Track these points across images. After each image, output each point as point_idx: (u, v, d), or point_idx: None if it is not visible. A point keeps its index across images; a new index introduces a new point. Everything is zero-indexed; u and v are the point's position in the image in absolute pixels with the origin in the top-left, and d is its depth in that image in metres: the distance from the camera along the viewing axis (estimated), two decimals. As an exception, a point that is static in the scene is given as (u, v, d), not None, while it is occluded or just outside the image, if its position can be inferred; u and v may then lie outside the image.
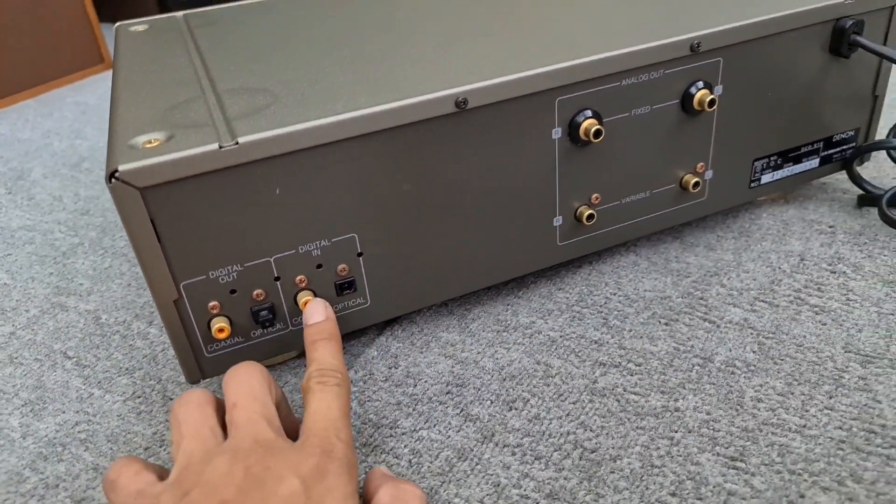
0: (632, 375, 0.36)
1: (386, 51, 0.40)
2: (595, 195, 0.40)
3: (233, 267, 0.33)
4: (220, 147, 0.29)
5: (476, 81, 0.34)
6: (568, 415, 0.34)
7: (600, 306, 0.41)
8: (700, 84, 0.39)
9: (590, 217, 0.40)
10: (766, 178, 0.45)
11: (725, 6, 0.41)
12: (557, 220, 0.40)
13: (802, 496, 0.28)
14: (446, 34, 0.42)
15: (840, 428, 0.31)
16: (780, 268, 0.43)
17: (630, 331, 0.39)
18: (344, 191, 0.33)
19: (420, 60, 0.37)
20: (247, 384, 0.29)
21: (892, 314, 0.38)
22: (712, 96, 0.39)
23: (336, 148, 0.32)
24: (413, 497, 0.28)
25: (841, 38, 0.41)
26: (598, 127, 0.36)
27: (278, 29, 0.47)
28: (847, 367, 0.35)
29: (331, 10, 0.51)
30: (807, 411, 0.33)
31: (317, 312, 0.34)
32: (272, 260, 0.33)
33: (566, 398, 0.35)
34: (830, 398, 0.33)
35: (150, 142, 0.30)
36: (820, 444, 0.31)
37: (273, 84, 0.36)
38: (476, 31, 0.42)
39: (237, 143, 0.30)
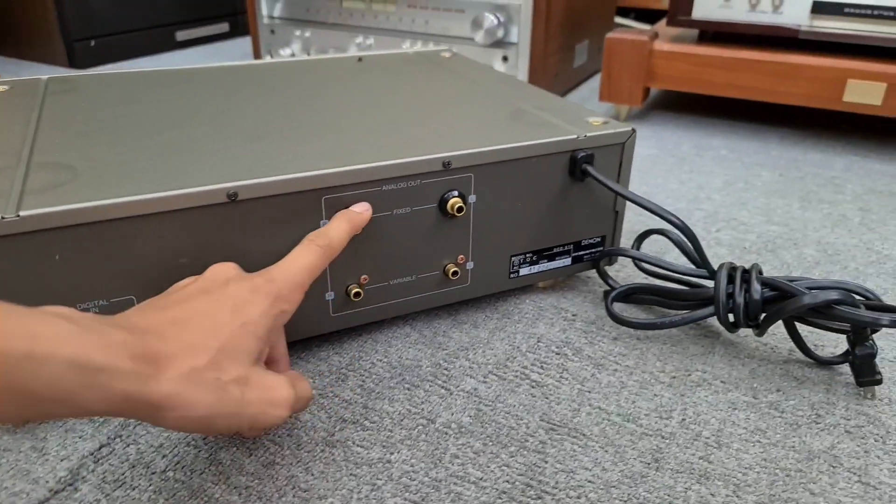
0: (364, 431, 0.43)
1: (193, 140, 0.47)
2: (364, 276, 0.48)
3: (14, 317, 0.38)
4: (2, 218, 0.35)
5: (248, 178, 0.41)
6: (298, 461, 0.41)
7: (364, 370, 0.49)
8: (455, 193, 0.48)
9: (356, 294, 0.47)
10: (524, 271, 0.55)
11: (482, 131, 0.50)
12: (330, 296, 0.47)
13: (453, 534, 0.36)
14: (246, 130, 0.49)
15: (507, 481, 0.39)
16: (519, 347, 0.51)
17: (378, 393, 0.46)
18: (122, 261, 0.40)
19: (212, 153, 0.45)
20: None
21: (590, 391, 0.47)
22: (461, 204, 0.47)
23: (115, 225, 0.38)
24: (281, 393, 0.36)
25: (575, 167, 0.51)
26: (357, 223, 0.44)
27: (123, 105, 0.54)
28: (535, 433, 0.43)
29: (178, 93, 0.58)
30: (488, 467, 0.40)
31: (361, 205, 0.45)
32: (53, 313, 0.39)
33: (303, 447, 0.42)
34: (511, 457, 0.41)
35: (-55, 207, 0.36)
36: (487, 492, 0.39)
37: (82, 161, 0.43)
38: (271, 130, 0.49)
39: (18, 216, 0.36)
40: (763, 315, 0.47)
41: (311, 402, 0.39)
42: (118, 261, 0.39)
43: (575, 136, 0.51)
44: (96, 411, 0.29)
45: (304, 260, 0.39)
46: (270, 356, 0.40)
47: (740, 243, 0.69)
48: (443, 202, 0.48)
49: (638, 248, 0.58)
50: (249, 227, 0.42)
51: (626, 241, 0.66)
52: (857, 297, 0.45)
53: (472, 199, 0.49)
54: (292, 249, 0.40)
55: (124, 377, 0.29)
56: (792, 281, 0.48)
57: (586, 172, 0.51)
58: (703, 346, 0.52)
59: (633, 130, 0.53)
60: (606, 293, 0.57)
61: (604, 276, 0.57)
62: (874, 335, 0.46)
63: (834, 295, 0.42)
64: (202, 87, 0.60)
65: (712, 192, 0.82)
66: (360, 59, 0.74)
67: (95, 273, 0.39)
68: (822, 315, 0.44)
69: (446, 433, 0.43)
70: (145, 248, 0.40)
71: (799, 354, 0.50)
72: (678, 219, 0.50)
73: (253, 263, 0.43)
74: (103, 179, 0.40)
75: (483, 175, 0.49)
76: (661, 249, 0.67)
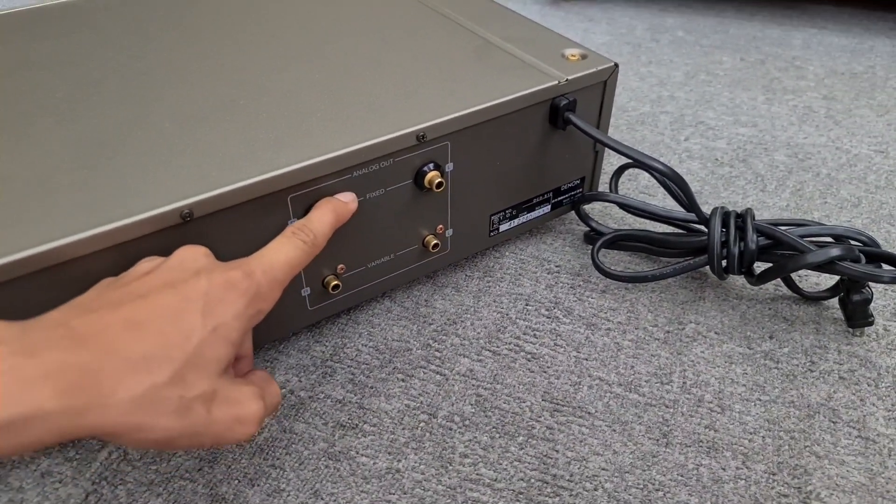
0: (366, 436, 0.41)
1: (116, 130, 0.39)
2: (340, 266, 0.44)
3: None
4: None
5: (202, 191, 0.35)
6: (304, 483, 0.39)
7: (351, 360, 0.46)
8: (431, 165, 0.43)
9: (335, 287, 0.43)
10: (504, 227, 0.51)
11: (453, 85, 0.44)
12: (305, 291, 0.43)
13: (479, 551, 0.36)
14: (177, 108, 0.42)
15: (522, 479, 0.39)
16: (507, 314, 0.49)
17: (372, 388, 0.44)
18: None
19: (147, 154, 0.38)
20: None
21: (587, 359, 0.46)
22: (440, 179, 0.43)
23: (47, 273, 0.33)
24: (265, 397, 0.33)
25: (557, 115, 0.47)
26: (330, 219, 0.39)
27: (14, 72, 0.45)
28: (540, 416, 0.42)
29: (79, 48, 0.48)
30: (500, 465, 0.40)
31: (347, 195, 0.40)
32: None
33: (305, 465, 0.40)
34: (521, 449, 0.40)
35: None
36: (504, 496, 0.38)
37: (-10, 184, 0.35)
38: (207, 106, 0.42)
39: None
40: (761, 269, 0.46)
41: (280, 405, 0.36)
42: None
43: (556, 82, 0.46)
44: (31, 452, 0.26)
45: (285, 254, 0.34)
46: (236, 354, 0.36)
47: (711, 153, 0.67)
48: (419, 176, 0.43)
49: (616, 183, 0.55)
50: (207, 244, 0.37)
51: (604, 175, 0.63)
52: (854, 243, 0.44)
53: (449, 167, 0.44)
54: (274, 240, 0.35)
55: (51, 419, 0.25)
56: (785, 226, 0.46)
57: (569, 121, 0.47)
58: (692, 291, 0.51)
59: (616, 65, 0.48)
60: (588, 238, 0.55)
61: (585, 219, 0.54)
62: (863, 273, 0.46)
63: (835, 251, 0.41)
64: (106, 33, 0.50)
65: (675, 89, 0.78)
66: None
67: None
68: (822, 270, 0.43)
69: (451, 428, 0.42)
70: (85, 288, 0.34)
71: (785, 290, 0.50)
72: (666, 166, 0.46)
73: (219, 280, 0.38)
74: (26, 210, 0.34)
75: (460, 141, 0.43)
76: (633, 174, 0.64)
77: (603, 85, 0.49)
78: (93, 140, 0.39)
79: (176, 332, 0.29)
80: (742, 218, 0.46)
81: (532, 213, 0.52)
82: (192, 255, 0.32)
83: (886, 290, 0.51)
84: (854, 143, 0.68)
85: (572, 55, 0.49)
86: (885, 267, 0.43)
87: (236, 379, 0.32)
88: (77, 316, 0.28)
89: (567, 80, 0.46)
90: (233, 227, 0.37)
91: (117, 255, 0.34)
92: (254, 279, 0.31)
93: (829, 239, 0.46)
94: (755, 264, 0.47)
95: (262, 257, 0.33)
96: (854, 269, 0.41)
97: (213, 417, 0.29)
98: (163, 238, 0.35)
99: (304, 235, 0.35)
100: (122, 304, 0.29)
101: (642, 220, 0.56)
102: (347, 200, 0.40)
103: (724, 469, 0.39)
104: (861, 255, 0.42)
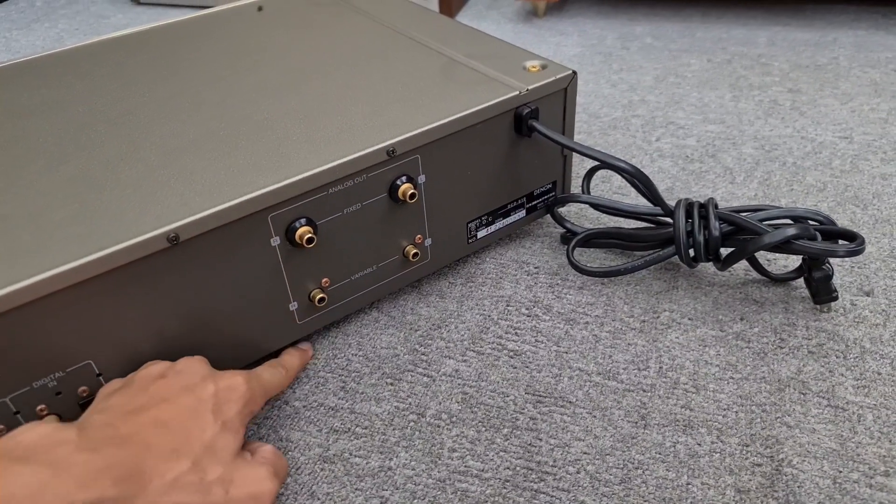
0: (358, 438, 0.43)
1: (104, 166, 0.42)
2: (325, 279, 0.46)
3: (-35, 416, 0.35)
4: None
5: (186, 215, 0.38)
6: (302, 487, 0.41)
7: (342, 369, 0.48)
8: (404, 178, 0.45)
9: (321, 300, 0.46)
10: (481, 234, 0.54)
11: (419, 101, 0.47)
12: (293, 306, 0.45)
13: (468, 537, 0.37)
14: (160, 141, 0.44)
15: (508, 468, 0.41)
16: (490, 315, 0.51)
17: (362, 393, 0.46)
18: (67, 333, 0.36)
19: (134, 185, 0.40)
20: None
21: (567, 352, 0.48)
22: (412, 190, 0.45)
23: (50, 300, 0.35)
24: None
25: (521, 124, 0.49)
26: (311, 235, 0.42)
27: (7, 121, 0.48)
28: (524, 408, 0.44)
29: (66, 93, 0.51)
30: (487, 456, 0.41)
31: (304, 345, 0.49)
32: (7, 400, 0.36)
33: (302, 470, 0.41)
34: (506, 440, 0.42)
35: None
36: (491, 485, 0.40)
37: (-10, 223, 0.38)
38: (188, 137, 0.45)
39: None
40: (725, 253, 0.48)
41: (289, 472, 0.41)
42: (61, 335, 0.36)
43: (517, 92, 0.48)
44: None
45: (269, 375, 0.43)
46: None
47: (682, 151, 0.69)
48: (393, 189, 0.45)
49: (588, 185, 0.57)
50: (198, 265, 0.39)
51: (576, 174, 0.65)
52: (811, 223, 0.46)
53: (421, 179, 0.47)
54: (264, 366, 0.44)
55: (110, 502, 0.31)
56: (746, 212, 0.48)
57: (533, 128, 0.49)
58: (665, 282, 0.53)
59: (574, 73, 0.51)
60: (565, 239, 0.57)
61: (560, 220, 0.57)
62: (825, 251, 0.48)
63: (791, 231, 0.43)
64: (92, 79, 0.53)
65: (645, 93, 0.81)
66: (259, 7, 0.67)
67: (40, 349, 0.36)
68: (780, 250, 0.45)
69: (439, 425, 0.44)
70: (88, 313, 0.37)
71: (755, 273, 0.52)
72: (628, 164, 0.49)
73: (207, 298, 0.41)
74: (22, 244, 0.36)
75: (429, 154, 0.46)
76: (607, 176, 0.66)
77: (564, 92, 0.51)
78: (82, 178, 0.42)
79: (194, 427, 0.36)
80: (705, 207, 0.49)
81: (508, 219, 0.55)
82: (198, 365, 0.39)
83: (853, 267, 0.53)
84: (819, 131, 0.71)
85: (533, 66, 0.51)
86: (841, 242, 0.45)
87: (252, 460, 0.38)
88: (118, 419, 0.35)
89: (528, 89, 0.49)
90: (218, 247, 0.40)
91: (116, 279, 0.37)
92: (247, 387, 0.39)
93: (787, 221, 0.48)
94: (721, 250, 0.49)
95: (252, 372, 0.41)
96: (810, 246, 0.44)
97: (231, 497, 0.35)
98: (153, 262, 0.38)
99: (282, 369, 0.45)
100: (149, 407, 0.36)
101: (615, 217, 0.59)
102: (307, 348, 0.49)
103: (699, 444, 0.41)
104: (817, 233, 0.44)
